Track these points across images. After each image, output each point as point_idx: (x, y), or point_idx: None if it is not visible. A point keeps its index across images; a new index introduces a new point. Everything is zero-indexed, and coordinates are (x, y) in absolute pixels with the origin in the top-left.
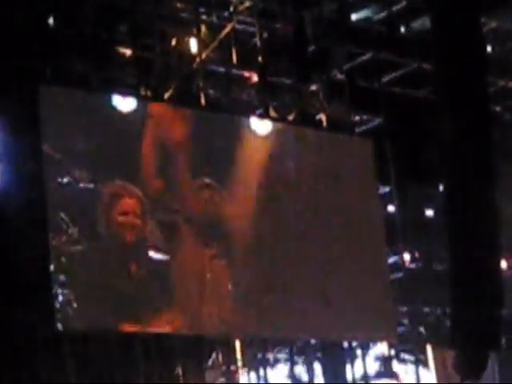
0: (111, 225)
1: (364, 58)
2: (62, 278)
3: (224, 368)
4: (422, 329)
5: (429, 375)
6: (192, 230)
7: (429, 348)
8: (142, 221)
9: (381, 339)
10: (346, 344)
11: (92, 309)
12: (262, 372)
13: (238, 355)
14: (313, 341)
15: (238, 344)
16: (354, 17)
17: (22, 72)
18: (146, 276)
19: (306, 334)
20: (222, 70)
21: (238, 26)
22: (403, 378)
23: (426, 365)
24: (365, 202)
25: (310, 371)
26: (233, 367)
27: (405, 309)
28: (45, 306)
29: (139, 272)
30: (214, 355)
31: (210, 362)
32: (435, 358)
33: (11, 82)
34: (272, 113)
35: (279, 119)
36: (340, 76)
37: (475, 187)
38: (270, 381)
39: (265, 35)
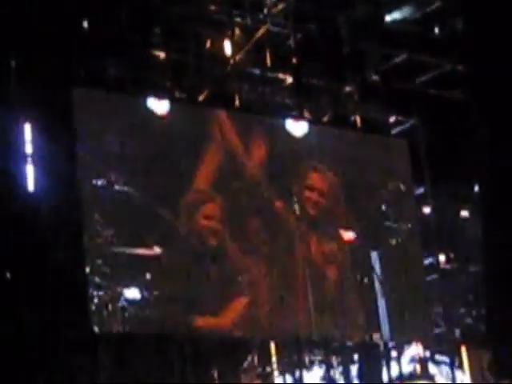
0: (194, 228)
1: (398, 59)
2: (96, 279)
3: (259, 370)
4: (457, 330)
5: (464, 377)
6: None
7: (463, 349)
8: (223, 226)
9: (417, 340)
10: (381, 345)
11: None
12: (297, 374)
13: (274, 357)
14: (349, 342)
15: (273, 346)
16: (388, 18)
17: (57, 74)
18: (222, 279)
19: (341, 335)
20: (256, 72)
21: (271, 28)
22: (438, 379)
23: (460, 366)
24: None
25: (346, 373)
26: (268, 369)
27: (440, 310)
28: (80, 308)
29: (217, 275)
30: (249, 357)
31: (245, 364)
32: (470, 360)
33: (46, 84)
34: (306, 114)
35: (314, 121)
36: (374, 77)
37: (510, 188)
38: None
39: (299, 37)
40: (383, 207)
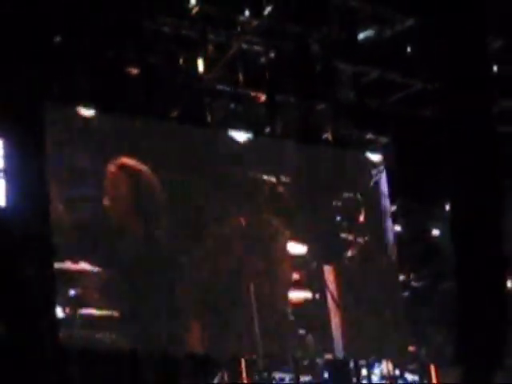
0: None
1: (371, 77)
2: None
3: None
4: (425, 349)
5: None
6: None
7: (432, 368)
8: None
9: (389, 357)
10: (351, 363)
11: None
12: None
13: (244, 374)
14: (319, 360)
15: (243, 363)
16: (361, 36)
17: (29, 89)
18: None
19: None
20: (228, 89)
21: (244, 46)
22: None
23: None
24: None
25: None
26: None
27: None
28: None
29: None
30: (219, 374)
31: (215, 381)
32: (439, 379)
33: (16, 99)
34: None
35: (286, 137)
36: (348, 95)
37: (481, 205)
38: None
39: (272, 54)
40: (338, 218)
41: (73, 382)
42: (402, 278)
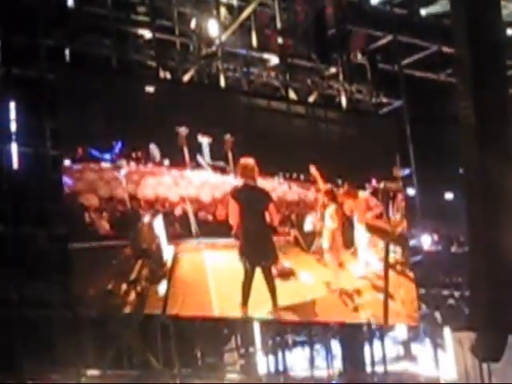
0: None
1: (384, 40)
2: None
3: (243, 350)
4: (440, 312)
5: (447, 358)
6: None
7: (447, 331)
8: None
9: (401, 322)
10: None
11: None
12: (280, 354)
13: (257, 338)
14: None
15: (256, 327)
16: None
17: (41, 53)
18: None
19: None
20: (241, 52)
21: (258, 9)
22: (422, 360)
23: (443, 348)
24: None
25: (329, 354)
26: (251, 349)
27: (423, 291)
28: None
29: None
30: (233, 338)
31: (229, 345)
32: (453, 342)
33: (29, 63)
34: (292, 95)
35: (299, 101)
36: (360, 59)
37: (493, 170)
38: (288, 363)
39: (284, 18)
40: None
41: None
42: (414, 241)
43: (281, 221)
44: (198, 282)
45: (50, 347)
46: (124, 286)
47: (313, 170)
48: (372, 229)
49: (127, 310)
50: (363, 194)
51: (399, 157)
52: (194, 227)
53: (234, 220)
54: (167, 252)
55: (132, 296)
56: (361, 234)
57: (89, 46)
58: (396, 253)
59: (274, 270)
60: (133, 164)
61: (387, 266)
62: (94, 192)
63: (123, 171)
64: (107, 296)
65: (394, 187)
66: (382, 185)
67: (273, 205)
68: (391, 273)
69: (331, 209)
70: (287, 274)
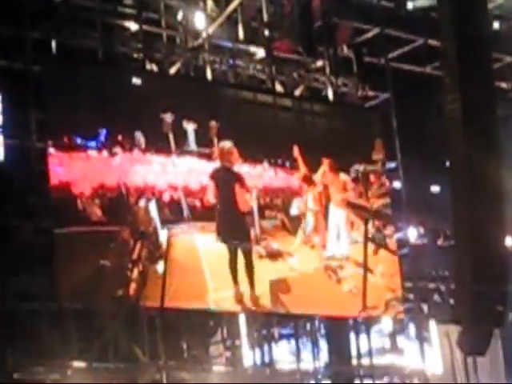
0: None
1: (370, 33)
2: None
3: (229, 343)
4: (426, 305)
5: (433, 351)
6: None
7: (432, 324)
8: None
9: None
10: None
11: None
12: (266, 347)
13: (243, 330)
14: (317, 317)
15: (242, 319)
16: None
17: (29, 44)
18: None
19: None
20: (228, 44)
21: (244, 1)
22: (408, 353)
23: (429, 341)
24: None
25: (315, 347)
26: (237, 342)
27: (409, 285)
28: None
29: None
30: (219, 330)
31: (215, 337)
32: (439, 335)
33: (15, 55)
34: (278, 87)
35: (286, 94)
36: (347, 51)
37: (480, 164)
38: (274, 356)
39: (271, 10)
40: None
41: None
42: (400, 235)
43: (266, 205)
44: (191, 263)
45: (35, 339)
46: (129, 265)
47: (296, 151)
48: (350, 206)
49: (120, 292)
50: (344, 177)
51: (382, 142)
52: (185, 212)
53: (212, 200)
54: (162, 235)
55: (135, 274)
56: (337, 213)
57: (75, 38)
58: (376, 228)
59: (262, 251)
60: (119, 150)
61: (366, 240)
62: (84, 179)
63: (113, 159)
64: (96, 276)
65: (374, 169)
66: (361, 167)
67: (242, 189)
68: (371, 248)
69: (315, 191)
70: (275, 255)
